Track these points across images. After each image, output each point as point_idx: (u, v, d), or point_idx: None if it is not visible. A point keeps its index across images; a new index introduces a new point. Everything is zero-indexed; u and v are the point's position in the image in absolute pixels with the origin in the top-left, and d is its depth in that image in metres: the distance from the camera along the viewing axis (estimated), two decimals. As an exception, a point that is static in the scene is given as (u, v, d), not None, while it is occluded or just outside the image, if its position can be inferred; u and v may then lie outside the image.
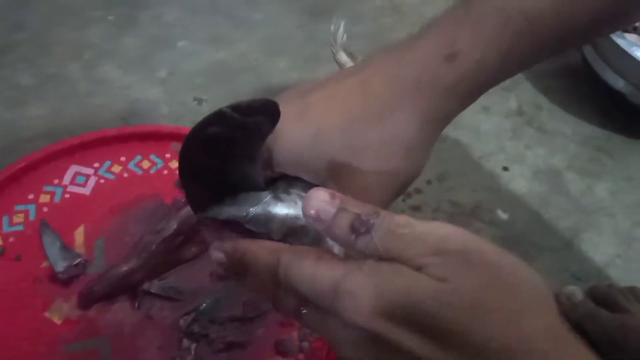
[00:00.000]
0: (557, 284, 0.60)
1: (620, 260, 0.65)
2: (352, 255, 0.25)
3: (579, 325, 0.56)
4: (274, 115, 0.27)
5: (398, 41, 0.32)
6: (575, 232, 0.67)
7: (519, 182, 0.71)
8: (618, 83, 0.76)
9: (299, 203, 0.30)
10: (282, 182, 0.31)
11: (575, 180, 0.73)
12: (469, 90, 0.30)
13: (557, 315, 0.26)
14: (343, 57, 0.69)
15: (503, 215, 0.67)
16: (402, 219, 0.24)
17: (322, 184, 0.30)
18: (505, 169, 0.72)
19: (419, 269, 0.23)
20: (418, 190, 0.68)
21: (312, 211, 0.24)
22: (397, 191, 0.32)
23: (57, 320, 0.45)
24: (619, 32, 0.85)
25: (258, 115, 0.27)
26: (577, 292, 0.57)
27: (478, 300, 0.23)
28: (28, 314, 0.45)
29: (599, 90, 0.79)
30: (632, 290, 0.57)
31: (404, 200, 0.67)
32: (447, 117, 0.31)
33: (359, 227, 0.24)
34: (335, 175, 0.30)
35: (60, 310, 0.45)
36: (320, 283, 0.24)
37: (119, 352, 0.42)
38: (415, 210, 0.66)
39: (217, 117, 0.26)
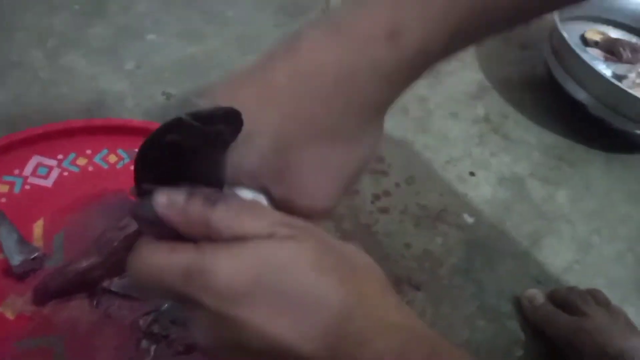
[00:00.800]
0: (519, 287, 0.61)
1: (578, 266, 0.66)
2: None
3: (539, 327, 0.57)
4: (236, 125, 0.25)
5: (336, 9, 0.29)
6: (537, 238, 0.68)
7: (484, 187, 0.72)
8: (580, 95, 0.77)
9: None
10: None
11: (537, 187, 0.74)
12: (411, 73, 0.28)
13: (385, 283, 0.26)
14: None
15: (469, 219, 0.68)
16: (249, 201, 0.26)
17: (263, 190, 0.29)
18: (472, 174, 0.72)
19: (269, 236, 0.24)
20: (386, 193, 0.67)
21: (164, 200, 0.24)
22: (347, 183, 0.30)
23: (10, 316, 0.42)
24: (582, 46, 0.86)
25: (220, 124, 0.25)
26: (538, 295, 0.58)
27: (321, 260, 0.24)
28: None
29: (562, 101, 0.80)
30: (591, 292, 0.58)
31: (372, 202, 0.66)
32: (388, 102, 0.29)
33: (212, 200, 0.24)
34: (276, 181, 0.28)
35: (14, 306, 0.42)
36: (173, 269, 0.23)
37: (73, 352, 0.40)
38: (383, 212, 0.65)
39: (176, 125, 0.24)
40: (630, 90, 0.72)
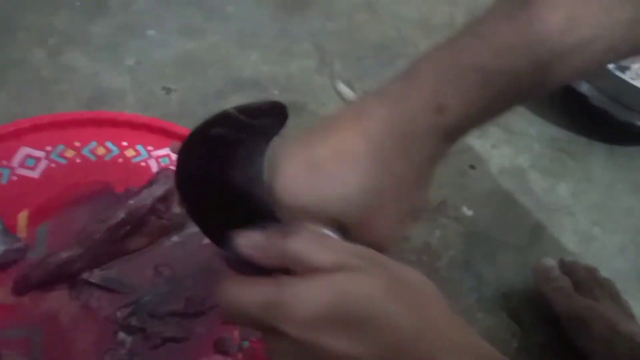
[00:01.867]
0: (518, 279, 0.58)
1: (579, 258, 0.62)
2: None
3: (546, 296, 0.54)
4: (282, 118, 0.26)
5: (388, 82, 0.32)
6: (538, 230, 0.65)
7: (484, 180, 0.69)
8: (582, 86, 0.74)
9: None
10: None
11: (539, 179, 0.71)
12: (457, 134, 0.31)
13: (446, 304, 0.28)
14: (342, 87, 0.72)
15: (468, 212, 0.65)
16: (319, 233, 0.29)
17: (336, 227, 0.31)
18: (472, 167, 0.70)
19: (341, 268, 0.26)
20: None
21: (244, 241, 0.27)
22: (410, 221, 0.33)
23: None
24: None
25: (266, 118, 0.25)
26: (555, 268, 0.55)
27: (391, 290, 0.26)
28: None
29: (564, 93, 0.77)
30: (606, 281, 0.56)
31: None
32: (440, 156, 0.32)
33: (286, 233, 0.26)
34: (357, 222, 0.31)
35: None
36: (256, 302, 0.25)
37: (51, 342, 0.38)
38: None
39: (223, 118, 0.24)
40: (633, 82, 0.69)
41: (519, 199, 0.68)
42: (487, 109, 0.31)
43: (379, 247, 0.31)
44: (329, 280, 0.25)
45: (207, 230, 0.29)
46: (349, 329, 0.24)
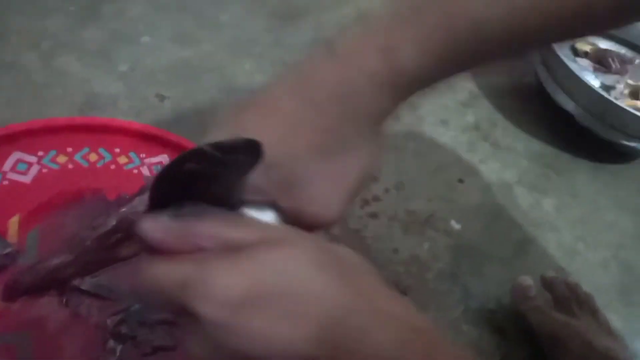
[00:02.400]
0: (504, 292, 0.59)
1: (563, 272, 0.64)
2: None
3: (525, 315, 0.55)
4: (256, 155, 0.25)
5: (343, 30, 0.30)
6: (523, 244, 0.66)
7: (472, 194, 0.70)
8: (568, 105, 0.76)
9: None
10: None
11: (525, 194, 0.72)
12: (405, 87, 0.28)
13: (378, 277, 0.26)
14: None
15: (456, 225, 0.65)
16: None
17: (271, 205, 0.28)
18: (461, 181, 0.70)
19: (260, 242, 0.23)
20: (376, 198, 0.65)
21: (149, 224, 0.24)
22: (352, 191, 0.30)
23: None
24: (571, 57, 0.84)
25: (240, 154, 0.25)
26: (531, 287, 0.56)
27: (319, 262, 0.23)
28: None
29: (551, 110, 0.79)
30: (585, 296, 0.56)
31: (362, 208, 0.64)
32: (386, 112, 0.29)
33: (197, 215, 0.24)
34: (284, 192, 0.28)
35: None
36: (171, 279, 0.23)
37: (40, 349, 0.38)
38: (373, 217, 0.64)
39: (196, 154, 0.24)
40: (617, 101, 0.71)
41: (506, 213, 0.69)
42: (444, 56, 0.27)
43: (317, 224, 0.28)
44: (247, 253, 0.23)
45: None
46: (271, 307, 0.22)
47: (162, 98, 0.68)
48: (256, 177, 0.26)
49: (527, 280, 0.57)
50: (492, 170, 0.73)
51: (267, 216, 0.27)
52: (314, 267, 0.23)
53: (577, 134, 0.76)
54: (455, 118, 0.78)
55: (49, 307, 0.39)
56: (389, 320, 0.24)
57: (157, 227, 0.24)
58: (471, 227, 0.66)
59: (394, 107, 0.29)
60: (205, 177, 0.25)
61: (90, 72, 0.68)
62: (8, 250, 0.42)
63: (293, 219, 0.28)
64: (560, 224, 0.69)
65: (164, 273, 0.23)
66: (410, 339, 0.24)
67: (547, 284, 0.57)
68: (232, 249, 0.23)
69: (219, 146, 0.24)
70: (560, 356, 0.51)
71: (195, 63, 0.73)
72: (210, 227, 0.24)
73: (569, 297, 0.55)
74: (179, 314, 0.23)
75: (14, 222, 0.45)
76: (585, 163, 0.77)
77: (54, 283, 0.39)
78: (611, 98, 0.71)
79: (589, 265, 0.65)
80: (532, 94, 0.83)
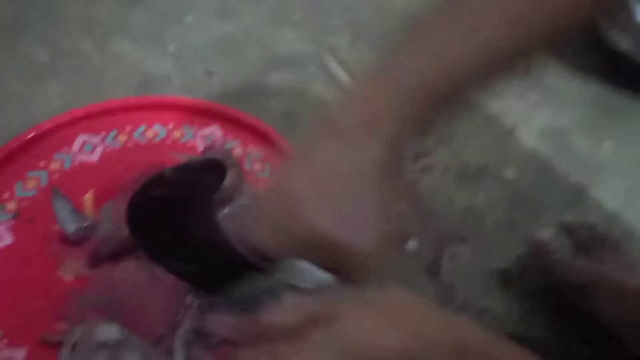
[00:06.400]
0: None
1: (625, 215, 0.61)
2: None
3: (547, 271, 0.53)
4: (220, 172, 0.26)
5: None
6: (582, 189, 0.64)
7: (525, 142, 0.67)
8: (623, 43, 0.71)
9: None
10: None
11: (581, 139, 0.69)
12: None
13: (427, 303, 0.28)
14: (335, 67, 0.70)
15: (510, 175, 0.64)
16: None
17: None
18: (512, 129, 0.68)
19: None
20: (427, 152, 0.64)
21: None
22: (378, 222, 0.31)
23: (69, 278, 0.44)
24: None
25: (203, 174, 0.25)
26: (550, 241, 0.54)
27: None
28: (41, 272, 0.44)
29: (605, 50, 0.74)
30: (605, 236, 0.54)
31: (414, 162, 0.63)
32: (388, 164, 0.30)
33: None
34: (324, 253, 0.29)
35: (71, 269, 0.44)
36: None
37: (126, 307, 0.41)
38: (425, 171, 0.63)
39: (158, 180, 0.25)
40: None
41: (562, 160, 0.66)
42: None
43: (358, 259, 0.30)
44: (310, 340, 0.25)
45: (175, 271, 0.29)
46: None
47: (210, 74, 0.69)
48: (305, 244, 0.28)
49: (545, 235, 0.54)
50: (544, 116, 0.70)
51: (323, 275, 0.28)
52: (366, 326, 0.25)
53: (634, 72, 0.72)
54: (503, 66, 0.75)
55: (129, 271, 0.42)
56: (440, 350, 0.25)
57: (221, 326, 0.27)
58: (526, 176, 0.64)
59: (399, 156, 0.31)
60: (177, 200, 0.25)
61: (142, 53, 0.70)
62: (87, 223, 0.44)
63: (333, 265, 0.29)
64: (619, 168, 0.66)
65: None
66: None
67: (567, 230, 0.55)
68: (290, 335, 0.25)
69: (182, 169, 0.24)
70: (592, 304, 0.49)
71: (238, 37, 0.73)
72: (265, 323, 0.26)
73: (589, 241, 0.53)
74: None
75: (88, 199, 0.48)
76: (644, 102, 0.73)
77: (130, 249, 0.42)
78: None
79: (651, 206, 0.62)
80: (583, 34, 0.79)
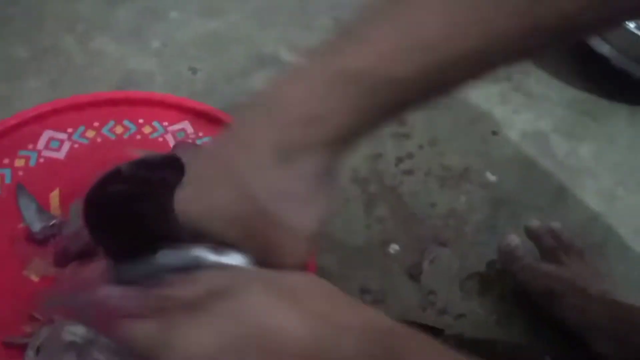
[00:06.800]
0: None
1: (602, 217, 0.62)
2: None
3: (515, 275, 0.53)
4: (179, 170, 0.25)
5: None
6: (561, 192, 0.64)
7: (507, 145, 0.68)
8: (603, 48, 0.72)
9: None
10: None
11: (561, 142, 0.69)
12: (341, 145, 0.28)
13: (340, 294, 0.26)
14: None
15: (492, 178, 0.64)
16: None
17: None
18: (494, 133, 0.68)
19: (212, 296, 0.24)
20: (410, 155, 0.64)
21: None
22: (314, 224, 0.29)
23: (35, 278, 0.43)
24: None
25: (161, 171, 0.24)
26: (519, 247, 0.53)
27: (275, 303, 0.24)
28: (7, 272, 0.43)
29: (584, 55, 0.74)
30: (569, 242, 0.53)
31: (396, 165, 0.63)
32: (328, 167, 0.28)
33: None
34: (252, 238, 0.28)
35: (38, 269, 0.43)
36: (142, 340, 0.24)
37: (94, 307, 0.39)
38: (408, 174, 0.62)
39: (115, 176, 0.23)
40: (655, 41, 0.66)
41: (542, 163, 0.66)
42: (375, 116, 0.28)
43: (291, 248, 0.28)
44: (204, 308, 0.23)
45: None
46: (239, 355, 0.23)
47: (194, 71, 0.68)
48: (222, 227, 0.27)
49: (514, 240, 0.54)
50: (526, 120, 0.70)
51: (234, 259, 0.27)
52: (267, 306, 0.24)
53: (613, 77, 0.72)
54: (486, 70, 0.74)
55: (98, 270, 0.40)
56: (349, 333, 0.24)
57: (113, 295, 0.26)
58: (507, 179, 0.64)
59: (335, 162, 0.29)
60: (133, 197, 0.24)
61: (124, 50, 0.69)
62: (53, 221, 0.43)
63: (261, 258, 0.28)
64: (598, 170, 0.66)
65: (134, 332, 0.24)
66: (369, 347, 0.23)
67: (532, 235, 0.55)
68: (189, 307, 0.24)
69: (139, 164, 0.23)
70: (558, 310, 0.50)
71: (223, 34, 0.72)
72: (167, 291, 0.24)
73: (555, 246, 0.53)
74: None
75: (54, 196, 0.46)
76: (622, 107, 0.73)
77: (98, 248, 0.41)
78: (648, 38, 0.66)
79: (629, 209, 0.63)
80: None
